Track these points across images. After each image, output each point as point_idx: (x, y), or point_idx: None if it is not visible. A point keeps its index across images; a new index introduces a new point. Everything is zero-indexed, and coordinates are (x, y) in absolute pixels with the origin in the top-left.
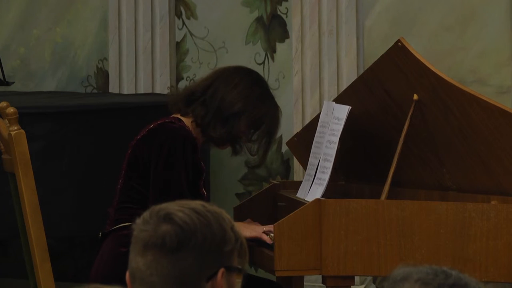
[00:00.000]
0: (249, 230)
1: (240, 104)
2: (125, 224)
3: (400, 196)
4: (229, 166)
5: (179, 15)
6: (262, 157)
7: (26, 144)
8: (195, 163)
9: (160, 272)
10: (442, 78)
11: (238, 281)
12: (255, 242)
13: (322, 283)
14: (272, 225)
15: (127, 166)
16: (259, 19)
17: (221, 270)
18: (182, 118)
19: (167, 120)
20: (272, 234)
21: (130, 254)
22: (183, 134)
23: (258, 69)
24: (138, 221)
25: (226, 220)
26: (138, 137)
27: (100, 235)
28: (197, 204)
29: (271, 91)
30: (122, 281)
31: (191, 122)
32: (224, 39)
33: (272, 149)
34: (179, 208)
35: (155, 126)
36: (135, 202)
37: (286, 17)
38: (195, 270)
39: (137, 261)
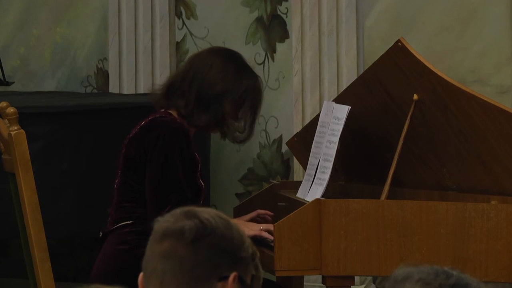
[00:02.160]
0: (247, 228)
1: (218, 86)
2: (125, 222)
3: (400, 196)
4: (229, 166)
5: (179, 15)
6: (249, 130)
7: (26, 144)
8: (190, 154)
9: (174, 261)
10: (442, 78)
11: None
12: (255, 241)
13: (322, 283)
14: (269, 224)
15: (123, 165)
16: (259, 19)
17: (234, 273)
18: (170, 111)
19: (157, 116)
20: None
21: (148, 245)
22: (175, 126)
23: (258, 69)
24: (160, 218)
25: (246, 235)
26: (130, 135)
27: (100, 235)
28: (223, 214)
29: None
30: (123, 278)
31: (177, 115)
32: (224, 39)
33: (272, 148)
34: (204, 210)
35: (146, 123)
36: (133, 200)
37: (286, 17)
38: (209, 266)
39: (153, 249)
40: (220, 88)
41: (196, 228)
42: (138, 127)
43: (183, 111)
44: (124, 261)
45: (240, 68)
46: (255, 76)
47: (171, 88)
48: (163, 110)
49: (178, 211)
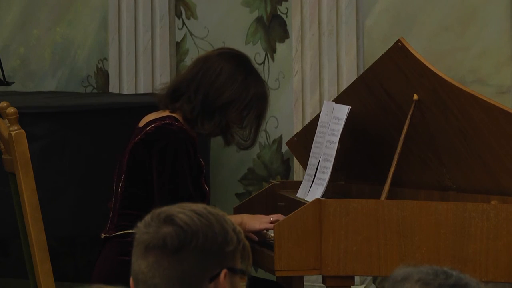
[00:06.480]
0: (257, 222)
1: (225, 95)
2: (128, 231)
3: (400, 196)
4: (229, 166)
5: (179, 15)
6: (253, 137)
7: (26, 144)
8: (196, 162)
9: (162, 274)
10: (442, 78)
11: (242, 285)
12: (257, 243)
13: (322, 283)
14: (279, 215)
15: (127, 171)
16: (259, 19)
17: (224, 271)
18: (175, 115)
19: (163, 122)
20: (272, 234)
21: (132, 257)
22: (182, 137)
23: (258, 69)
24: (140, 224)
25: (228, 222)
26: (136, 140)
27: (102, 237)
28: (198, 206)
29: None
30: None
31: (182, 119)
32: (224, 39)
33: (272, 148)
34: (180, 210)
35: (151, 130)
36: (138, 208)
37: (286, 17)
38: (197, 271)
39: (139, 263)
40: (227, 97)
41: (177, 236)
42: (144, 132)
43: (189, 116)
44: (126, 272)
45: (248, 75)
46: (262, 83)
47: (177, 90)
48: (168, 112)
49: (155, 216)
